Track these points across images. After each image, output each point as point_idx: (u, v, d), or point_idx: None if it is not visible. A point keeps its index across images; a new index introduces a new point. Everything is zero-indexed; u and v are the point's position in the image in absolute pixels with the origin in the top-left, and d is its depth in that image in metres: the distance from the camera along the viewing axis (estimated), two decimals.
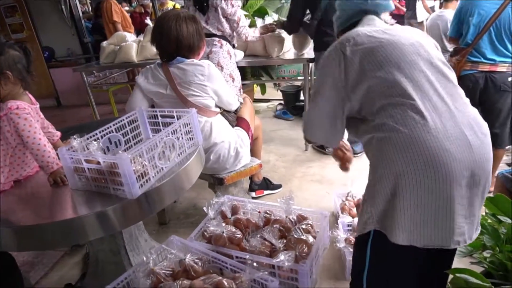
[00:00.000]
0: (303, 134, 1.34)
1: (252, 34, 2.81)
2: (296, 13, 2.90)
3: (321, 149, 3.34)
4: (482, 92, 2.42)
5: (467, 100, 1.11)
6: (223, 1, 2.60)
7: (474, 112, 1.08)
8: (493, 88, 2.38)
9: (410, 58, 1.07)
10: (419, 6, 5.47)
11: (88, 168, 1.32)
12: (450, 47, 3.15)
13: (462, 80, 2.42)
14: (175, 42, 1.92)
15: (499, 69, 2.35)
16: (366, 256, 1.09)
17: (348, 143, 1.51)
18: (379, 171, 1.01)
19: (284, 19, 3.40)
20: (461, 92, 1.11)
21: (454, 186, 0.96)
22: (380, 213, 1.02)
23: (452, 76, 1.13)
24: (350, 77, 1.09)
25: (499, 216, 1.47)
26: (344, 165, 1.46)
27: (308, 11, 2.88)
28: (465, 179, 0.97)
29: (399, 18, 7.25)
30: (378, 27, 1.18)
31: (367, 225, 1.04)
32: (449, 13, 3.27)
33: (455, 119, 1.01)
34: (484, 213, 1.58)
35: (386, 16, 1.33)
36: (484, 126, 1.07)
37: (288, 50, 3.34)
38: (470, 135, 1.00)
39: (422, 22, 6.45)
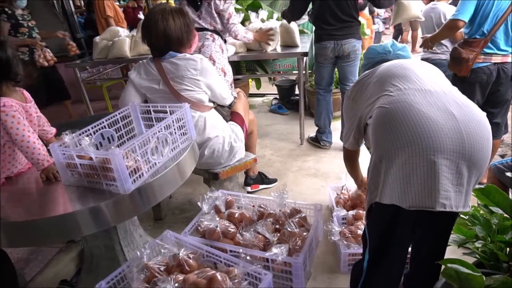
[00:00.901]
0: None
1: (244, 34, 2.76)
2: (297, 6, 2.92)
3: (316, 142, 3.35)
4: (493, 84, 2.34)
5: (454, 88, 1.20)
6: None
7: (461, 95, 1.16)
8: (505, 79, 2.31)
9: (399, 64, 1.30)
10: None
11: (80, 164, 1.32)
12: (445, 40, 3.14)
13: (476, 73, 2.32)
14: (164, 37, 1.90)
15: (510, 59, 2.27)
16: (366, 232, 1.21)
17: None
18: (372, 149, 1.16)
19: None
20: (446, 81, 1.24)
21: (439, 150, 1.03)
22: (373, 184, 1.15)
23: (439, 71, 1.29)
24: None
25: (490, 207, 1.48)
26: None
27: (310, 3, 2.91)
28: (452, 143, 1.04)
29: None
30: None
31: (368, 202, 1.19)
32: (442, 6, 3.27)
33: (438, 96, 1.12)
34: (476, 204, 1.60)
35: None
36: (470, 103, 1.14)
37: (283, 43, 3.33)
38: (454, 109, 1.08)
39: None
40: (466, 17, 2.26)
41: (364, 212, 1.34)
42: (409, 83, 1.18)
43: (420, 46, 2.93)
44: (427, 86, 1.16)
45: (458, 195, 1.08)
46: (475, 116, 1.09)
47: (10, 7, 3.86)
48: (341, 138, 1.50)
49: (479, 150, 1.06)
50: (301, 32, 3.91)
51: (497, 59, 2.29)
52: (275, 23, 3.49)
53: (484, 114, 1.14)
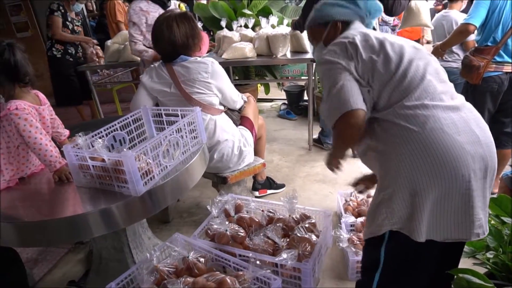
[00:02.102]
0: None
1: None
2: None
3: (319, 144, 3.37)
4: (505, 93, 2.31)
5: (463, 98, 1.16)
6: None
7: (472, 108, 1.13)
8: None
9: (416, 62, 1.12)
10: None
11: (93, 166, 1.33)
12: (456, 47, 3.12)
13: (486, 82, 2.28)
14: (169, 44, 1.94)
15: None
16: (380, 257, 1.10)
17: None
18: (394, 173, 1.03)
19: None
20: (454, 90, 1.17)
21: (471, 179, 1.00)
22: (399, 215, 1.03)
23: (447, 77, 1.20)
24: (358, 66, 1.13)
25: (502, 217, 1.47)
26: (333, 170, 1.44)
27: None
28: (479, 171, 1.02)
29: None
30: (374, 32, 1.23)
31: (383, 227, 1.06)
32: (454, 14, 3.26)
33: (460, 114, 1.05)
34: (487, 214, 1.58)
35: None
36: (482, 120, 1.12)
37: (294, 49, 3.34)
38: (475, 128, 1.04)
39: None
40: (477, 21, 2.24)
41: (364, 234, 1.21)
42: (433, 94, 1.07)
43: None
44: (449, 100, 1.08)
45: (485, 218, 1.08)
46: (489, 133, 1.09)
47: (65, 8, 4.01)
48: (326, 116, 1.23)
49: (495, 169, 1.08)
50: None
51: (508, 69, 2.25)
52: (285, 29, 3.51)
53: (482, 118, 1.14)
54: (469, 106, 1.12)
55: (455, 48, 3.12)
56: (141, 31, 2.76)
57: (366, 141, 1.15)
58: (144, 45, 2.79)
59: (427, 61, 1.16)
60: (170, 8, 2.85)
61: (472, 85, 2.37)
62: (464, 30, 2.32)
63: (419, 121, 1.02)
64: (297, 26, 3.09)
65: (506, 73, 2.26)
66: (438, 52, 2.67)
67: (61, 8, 3.94)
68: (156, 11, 2.75)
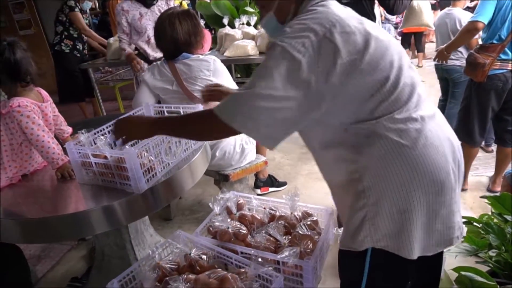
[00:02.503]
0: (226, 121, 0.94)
1: None
2: None
3: None
4: (509, 91, 2.31)
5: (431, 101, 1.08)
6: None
7: (439, 111, 1.07)
8: None
9: (399, 62, 0.96)
10: None
11: (95, 163, 1.34)
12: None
13: (491, 80, 2.28)
14: (172, 41, 1.94)
15: None
16: (364, 270, 1.02)
17: None
18: (379, 189, 0.93)
19: None
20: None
21: (454, 188, 0.97)
22: (385, 232, 0.95)
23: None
24: (333, 74, 0.88)
25: (505, 216, 1.47)
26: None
27: None
28: (456, 177, 0.99)
29: None
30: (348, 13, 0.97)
31: (365, 243, 0.97)
32: (458, 12, 3.24)
33: (438, 122, 1.00)
34: (490, 213, 1.58)
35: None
36: (443, 118, 1.07)
37: None
38: (448, 133, 1.01)
39: None
40: (485, 18, 2.21)
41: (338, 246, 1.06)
42: (418, 102, 0.96)
43: (434, 59, 2.88)
44: (428, 108, 0.99)
45: (460, 218, 1.05)
46: (455, 135, 1.05)
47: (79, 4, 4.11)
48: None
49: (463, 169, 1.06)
50: None
51: None
52: None
53: None
54: (437, 110, 1.05)
55: None
56: (123, 30, 2.86)
57: (338, 151, 1.00)
58: (131, 44, 2.93)
59: (406, 58, 1.01)
60: (157, 5, 2.86)
61: (476, 83, 2.37)
62: (472, 28, 2.29)
63: (412, 136, 0.92)
64: None
65: (511, 71, 2.25)
66: (443, 55, 2.65)
67: (78, 4, 4.02)
68: (137, 10, 2.81)
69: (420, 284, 1.18)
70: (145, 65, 2.91)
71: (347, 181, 0.99)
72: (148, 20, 2.84)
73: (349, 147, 0.97)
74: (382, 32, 0.99)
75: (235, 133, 0.95)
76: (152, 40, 2.85)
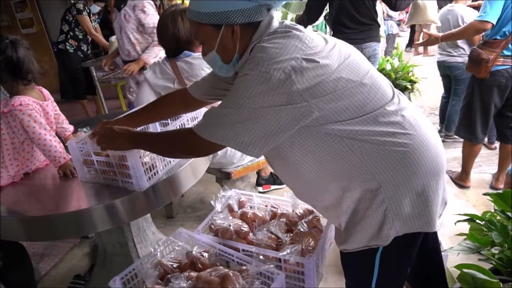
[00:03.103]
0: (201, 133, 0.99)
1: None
2: (314, 9, 2.88)
3: None
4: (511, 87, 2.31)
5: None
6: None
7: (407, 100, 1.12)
8: None
9: (368, 72, 1.00)
10: None
11: (97, 161, 1.34)
12: (461, 42, 3.09)
13: (494, 76, 2.27)
14: (173, 38, 1.94)
15: None
16: (374, 268, 1.04)
17: None
18: (397, 178, 0.96)
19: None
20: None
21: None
22: (409, 217, 0.98)
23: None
24: (324, 89, 0.92)
25: (508, 213, 1.46)
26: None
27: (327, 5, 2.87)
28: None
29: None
30: (302, 39, 0.96)
31: (390, 236, 0.98)
32: (460, 8, 3.22)
33: (423, 120, 1.06)
34: (493, 210, 1.57)
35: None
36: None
37: None
38: (434, 132, 1.07)
39: None
40: (494, 18, 2.20)
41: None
42: (398, 99, 1.03)
43: (421, 45, 2.91)
44: (405, 100, 1.06)
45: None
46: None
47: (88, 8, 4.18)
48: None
49: None
50: None
51: None
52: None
53: None
54: (404, 98, 1.08)
55: (460, 43, 3.08)
56: None
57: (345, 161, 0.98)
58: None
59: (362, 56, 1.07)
60: (124, 9, 2.83)
61: (478, 79, 2.35)
62: (481, 28, 2.26)
63: (411, 122, 0.99)
64: (301, 21, 3.07)
65: None
66: (432, 41, 2.63)
67: (86, 8, 4.08)
68: (115, 13, 2.92)
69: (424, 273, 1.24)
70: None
71: (353, 184, 0.99)
72: (117, 23, 2.90)
73: (358, 148, 0.96)
74: (343, 43, 1.06)
75: (215, 149, 1.01)
76: (121, 42, 2.88)
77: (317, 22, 4.02)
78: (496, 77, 2.28)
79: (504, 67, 2.25)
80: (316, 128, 0.95)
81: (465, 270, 1.17)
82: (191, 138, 1.02)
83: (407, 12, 7.12)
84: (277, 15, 1.07)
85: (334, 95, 0.93)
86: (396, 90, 1.08)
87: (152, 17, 2.77)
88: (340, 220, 1.05)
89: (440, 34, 2.58)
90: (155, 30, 2.61)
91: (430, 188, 1.00)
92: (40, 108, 1.50)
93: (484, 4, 2.26)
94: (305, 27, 3.32)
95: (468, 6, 3.37)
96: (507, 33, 2.20)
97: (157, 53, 2.82)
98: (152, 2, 2.84)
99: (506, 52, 2.23)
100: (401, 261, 1.09)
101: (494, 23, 2.21)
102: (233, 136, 0.94)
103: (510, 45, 2.21)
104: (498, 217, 1.49)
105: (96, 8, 4.28)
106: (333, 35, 2.90)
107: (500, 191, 1.50)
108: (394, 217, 0.98)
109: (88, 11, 4.09)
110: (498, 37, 2.23)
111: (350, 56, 1.00)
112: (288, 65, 0.90)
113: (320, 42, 0.99)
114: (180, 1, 5.92)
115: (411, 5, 2.88)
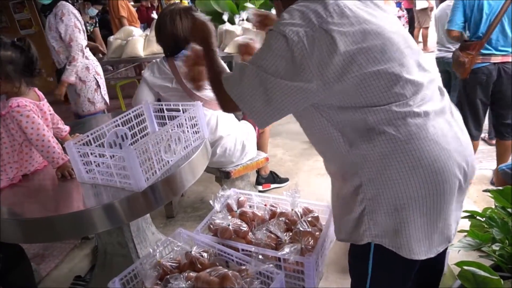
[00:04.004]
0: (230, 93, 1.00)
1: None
2: None
3: None
4: (495, 84, 2.38)
5: (446, 94, 1.06)
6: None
7: (454, 108, 1.04)
8: (507, 79, 2.34)
9: (403, 50, 0.93)
10: None
11: (95, 162, 1.33)
12: None
13: (475, 74, 2.38)
14: (171, 37, 1.94)
15: (511, 59, 2.31)
16: (368, 269, 1.01)
17: None
18: (378, 184, 0.91)
19: None
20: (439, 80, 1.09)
21: (455, 186, 0.93)
22: (383, 229, 0.93)
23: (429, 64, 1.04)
24: (330, 65, 0.87)
25: (508, 209, 1.45)
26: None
27: None
28: (461, 175, 0.94)
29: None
30: None
31: (365, 237, 0.95)
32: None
33: (447, 118, 0.96)
34: (493, 206, 1.56)
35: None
36: (460, 117, 1.04)
37: None
38: (457, 131, 0.96)
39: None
40: (456, 26, 2.40)
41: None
42: (421, 99, 0.92)
43: None
44: (437, 102, 0.97)
45: (456, 224, 1.04)
46: (468, 138, 1.01)
47: (81, 12, 4.10)
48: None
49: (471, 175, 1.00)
50: None
51: (496, 59, 2.32)
52: None
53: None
54: (451, 108, 1.02)
55: None
56: None
57: (335, 144, 0.97)
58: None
59: (414, 55, 0.96)
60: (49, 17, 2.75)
61: (462, 79, 2.44)
62: (450, 36, 2.53)
63: (409, 130, 0.89)
64: None
65: (494, 63, 2.33)
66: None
67: (80, 12, 4.03)
68: None
69: (422, 279, 1.17)
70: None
71: (345, 174, 0.98)
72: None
73: (346, 141, 0.95)
74: (390, 23, 0.96)
75: (230, 106, 1.01)
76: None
77: None
78: (477, 75, 2.37)
79: (484, 64, 2.34)
80: (319, 111, 0.96)
81: (466, 268, 1.17)
82: (219, 85, 1.02)
83: (405, 9, 7.13)
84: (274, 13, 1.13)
85: (340, 78, 0.89)
86: (439, 89, 1.00)
87: (67, 28, 2.66)
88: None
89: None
90: (72, 43, 2.64)
91: (413, 208, 0.90)
92: (37, 108, 1.49)
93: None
94: None
95: None
96: (480, 35, 2.30)
97: (78, 68, 2.74)
98: (73, 11, 2.72)
99: (484, 51, 2.32)
100: (396, 276, 1.04)
101: (456, 29, 2.40)
102: (248, 99, 0.95)
103: (486, 45, 2.30)
104: (498, 214, 1.48)
105: (94, 11, 4.28)
106: None
107: (501, 188, 1.50)
108: (370, 221, 0.94)
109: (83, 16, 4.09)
110: (473, 39, 2.36)
111: (385, 41, 0.91)
112: (302, 30, 0.88)
113: (355, 14, 0.91)
114: (178, 0, 5.93)
115: None
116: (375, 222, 0.93)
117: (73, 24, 2.68)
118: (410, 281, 1.07)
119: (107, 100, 3.08)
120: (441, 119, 0.94)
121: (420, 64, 0.97)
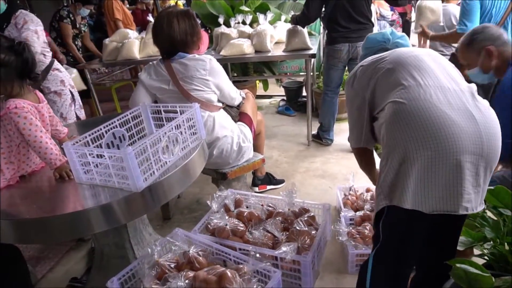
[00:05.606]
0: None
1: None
2: (315, 7, 2.88)
3: (317, 140, 3.39)
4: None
5: (471, 85, 1.16)
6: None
7: (476, 94, 1.14)
8: None
9: (412, 53, 1.21)
10: None
11: (93, 162, 1.34)
12: None
13: None
14: (168, 40, 1.95)
15: None
16: (379, 232, 1.15)
17: None
18: (387, 148, 1.09)
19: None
20: (461, 76, 1.20)
21: (462, 154, 1.01)
22: (389, 186, 1.08)
23: (449, 63, 1.23)
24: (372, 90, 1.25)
25: (499, 209, 1.48)
26: None
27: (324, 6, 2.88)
28: (473, 147, 1.02)
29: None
30: None
31: (380, 202, 1.11)
32: (452, 7, 3.26)
33: (458, 95, 1.08)
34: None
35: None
36: (486, 102, 1.13)
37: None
38: (474, 111, 1.06)
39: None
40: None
41: (373, 213, 1.30)
42: (427, 77, 1.12)
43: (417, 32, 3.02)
44: (446, 83, 1.12)
45: (477, 196, 1.10)
46: (492, 116, 1.10)
47: (73, 13, 4.14)
48: (349, 140, 1.44)
49: (495, 151, 1.08)
50: (309, 34, 3.92)
51: None
52: (283, 25, 3.50)
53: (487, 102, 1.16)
54: (473, 90, 1.14)
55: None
56: None
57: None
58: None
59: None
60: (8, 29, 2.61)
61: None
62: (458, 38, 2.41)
63: (411, 94, 1.08)
64: (297, 21, 3.06)
65: None
66: (425, 34, 2.75)
67: (70, 15, 4.06)
68: None
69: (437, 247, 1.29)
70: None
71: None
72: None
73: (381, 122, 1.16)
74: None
75: None
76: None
77: None
78: None
79: None
80: None
81: (458, 265, 1.19)
82: None
83: (399, 12, 7.21)
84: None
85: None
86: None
87: (26, 33, 2.51)
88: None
89: (431, 33, 2.63)
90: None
91: (411, 161, 1.03)
92: (35, 110, 1.50)
93: (461, 14, 2.34)
94: (303, 27, 3.31)
95: (459, 5, 3.41)
96: None
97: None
98: (32, 17, 2.59)
99: None
100: (401, 239, 1.15)
101: None
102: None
103: None
104: (490, 213, 1.51)
105: (85, 11, 4.26)
106: (327, 34, 2.92)
107: (492, 188, 1.52)
108: (382, 183, 1.12)
109: (72, 18, 4.07)
110: None
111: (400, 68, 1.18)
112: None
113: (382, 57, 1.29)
114: (174, 3, 5.95)
115: (416, 8, 2.92)
116: (385, 183, 1.09)
117: (34, 30, 2.55)
118: (419, 244, 1.18)
119: (82, 117, 2.98)
120: (448, 93, 1.08)
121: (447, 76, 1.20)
